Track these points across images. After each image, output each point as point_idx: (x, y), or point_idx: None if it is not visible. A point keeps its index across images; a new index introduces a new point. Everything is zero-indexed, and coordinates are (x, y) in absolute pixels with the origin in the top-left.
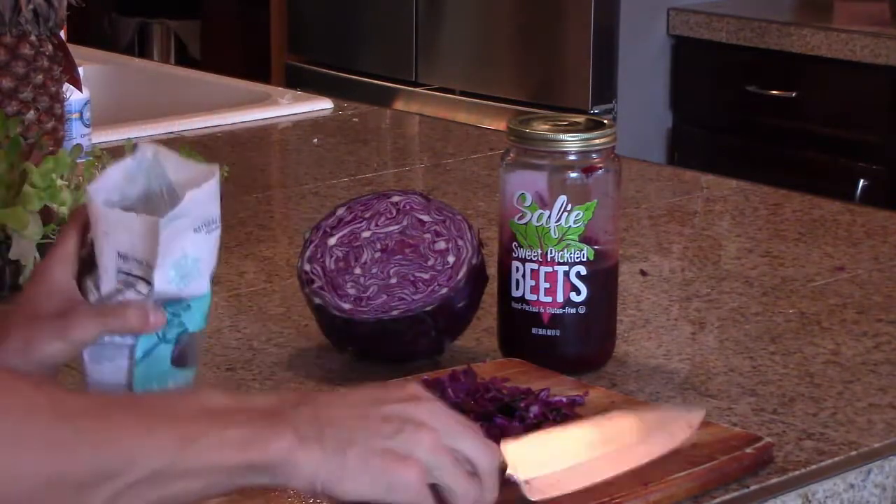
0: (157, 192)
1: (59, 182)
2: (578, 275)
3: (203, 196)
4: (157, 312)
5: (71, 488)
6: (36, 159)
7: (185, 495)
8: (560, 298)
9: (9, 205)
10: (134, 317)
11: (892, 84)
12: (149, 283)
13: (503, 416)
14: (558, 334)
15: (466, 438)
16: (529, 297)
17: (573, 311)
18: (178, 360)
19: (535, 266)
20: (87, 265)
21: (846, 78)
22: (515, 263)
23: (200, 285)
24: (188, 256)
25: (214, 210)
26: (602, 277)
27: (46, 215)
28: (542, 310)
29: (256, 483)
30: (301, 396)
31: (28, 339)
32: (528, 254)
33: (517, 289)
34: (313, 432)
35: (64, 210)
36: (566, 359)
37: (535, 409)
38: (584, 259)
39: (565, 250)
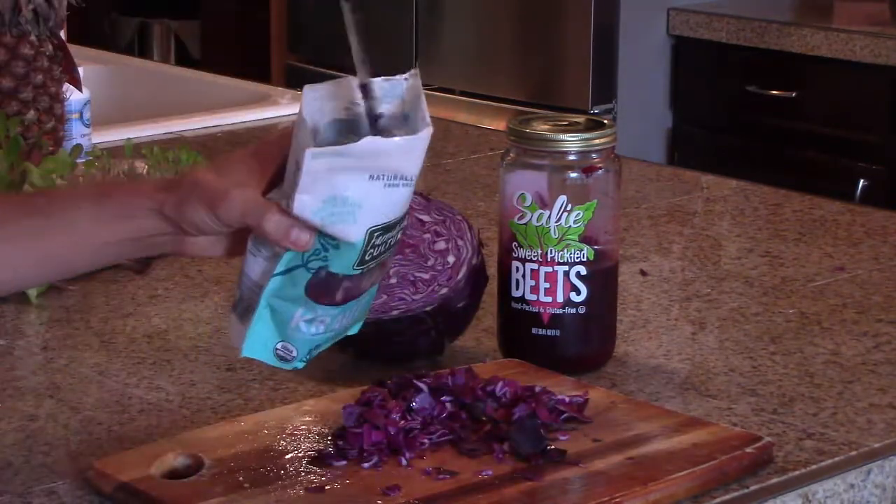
0: (399, 114)
1: (59, 182)
2: (578, 275)
3: (391, 148)
4: (303, 232)
5: None
6: (36, 159)
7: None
8: (560, 298)
9: None
10: (272, 224)
11: (892, 84)
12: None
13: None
14: (558, 334)
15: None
16: (529, 297)
17: (573, 311)
18: (312, 292)
19: (535, 266)
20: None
21: (846, 78)
22: (515, 263)
23: (352, 231)
24: (348, 198)
25: (408, 167)
26: (602, 277)
27: None
28: (542, 310)
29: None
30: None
31: (189, 197)
32: (528, 254)
33: (517, 289)
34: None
35: None
36: (566, 359)
37: (506, 390)
38: (584, 259)
39: (565, 250)
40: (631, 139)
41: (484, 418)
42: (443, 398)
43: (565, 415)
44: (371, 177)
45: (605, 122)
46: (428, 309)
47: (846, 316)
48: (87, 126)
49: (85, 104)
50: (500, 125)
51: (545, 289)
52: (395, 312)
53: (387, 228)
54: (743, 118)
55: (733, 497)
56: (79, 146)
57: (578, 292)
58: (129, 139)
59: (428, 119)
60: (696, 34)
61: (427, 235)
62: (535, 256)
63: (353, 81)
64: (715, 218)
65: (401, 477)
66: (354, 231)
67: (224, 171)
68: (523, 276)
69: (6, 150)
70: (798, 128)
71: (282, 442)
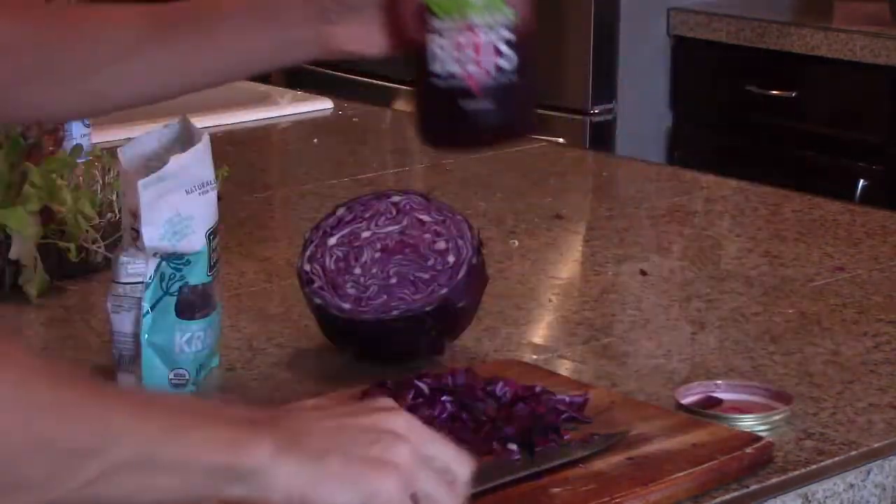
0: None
1: (59, 182)
2: (504, 41)
3: (190, 160)
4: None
5: (58, 456)
6: (36, 159)
7: (162, 490)
8: (486, 67)
9: (9, 205)
10: None
11: (892, 84)
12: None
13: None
14: (485, 105)
15: (442, 447)
16: (453, 69)
17: (499, 80)
18: (182, 311)
19: (457, 36)
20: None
21: (846, 78)
22: (432, 36)
23: (195, 241)
24: (181, 215)
25: (207, 173)
26: (528, 44)
27: (46, 215)
28: (466, 81)
29: (233, 493)
30: (275, 410)
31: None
32: (446, 24)
33: (439, 64)
34: (291, 441)
35: (64, 210)
36: (491, 129)
37: (507, 390)
38: (510, 24)
39: (489, 16)
40: (631, 139)
41: (484, 418)
42: (443, 398)
43: (565, 415)
44: (187, 191)
45: None
46: (428, 309)
47: (846, 316)
48: (87, 126)
49: None
50: None
51: (470, 58)
52: (395, 312)
53: (215, 231)
54: (743, 118)
55: (733, 497)
56: (79, 146)
57: (505, 58)
58: (129, 139)
59: (201, 132)
60: (696, 34)
61: (427, 235)
62: (454, 26)
63: (154, 136)
64: (715, 218)
65: None
66: (197, 239)
67: None
68: (442, 48)
69: (6, 150)
70: (798, 128)
71: None
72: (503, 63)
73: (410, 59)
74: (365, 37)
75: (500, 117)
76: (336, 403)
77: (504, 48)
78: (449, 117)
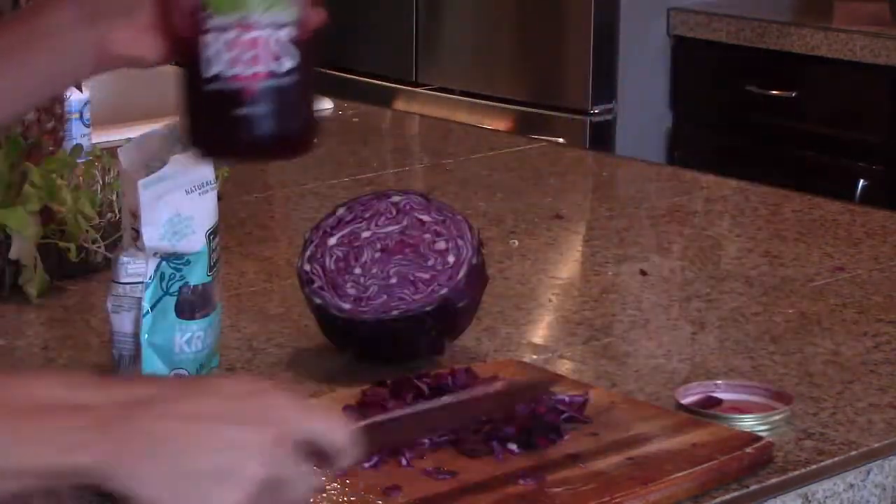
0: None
1: (59, 182)
2: (286, 39)
3: (190, 160)
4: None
5: None
6: (36, 159)
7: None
8: (264, 69)
9: (9, 205)
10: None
11: (892, 84)
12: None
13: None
14: (265, 109)
15: (314, 428)
16: (230, 72)
17: (284, 80)
18: (182, 311)
19: (233, 35)
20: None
21: (846, 78)
22: (206, 37)
23: (194, 241)
24: (181, 215)
25: (207, 173)
26: (310, 46)
27: (46, 215)
28: (245, 84)
29: (74, 483)
30: (149, 395)
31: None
32: (221, 22)
33: (213, 67)
34: (143, 449)
35: (64, 210)
36: (269, 137)
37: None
38: (291, 21)
39: (269, 13)
40: (631, 139)
41: (484, 418)
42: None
43: (565, 415)
44: (187, 191)
45: None
46: (428, 309)
47: (846, 316)
48: (87, 126)
49: (85, 104)
50: (500, 125)
51: (249, 58)
52: (395, 312)
53: (215, 231)
54: (743, 118)
55: (733, 497)
56: (79, 146)
57: (288, 58)
58: (129, 139)
59: None
60: (696, 34)
61: (427, 235)
62: (232, 23)
63: (154, 136)
64: (715, 218)
65: (401, 477)
66: (197, 239)
67: None
68: (218, 50)
69: (6, 150)
70: (798, 128)
71: None
72: (282, 65)
73: (182, 63)
74: (141, 40)
75: (279, 123)
76: (218, 391)
77: (283, 49)
78: (225, 125)
